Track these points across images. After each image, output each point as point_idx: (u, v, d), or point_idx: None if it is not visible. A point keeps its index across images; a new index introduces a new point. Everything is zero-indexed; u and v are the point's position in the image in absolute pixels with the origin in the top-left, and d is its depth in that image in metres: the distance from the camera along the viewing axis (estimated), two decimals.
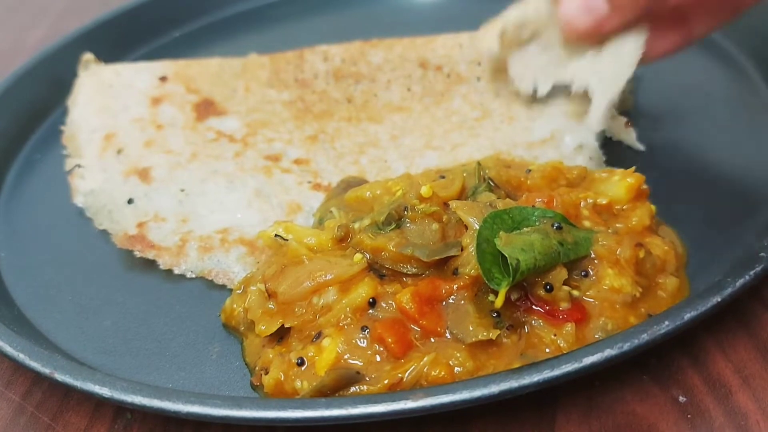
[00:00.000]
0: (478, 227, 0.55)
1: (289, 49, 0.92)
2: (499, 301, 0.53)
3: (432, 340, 0.54)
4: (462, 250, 0.56)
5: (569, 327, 0.54)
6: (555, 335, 0.54)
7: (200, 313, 0.64)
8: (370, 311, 0.55)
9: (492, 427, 0.54)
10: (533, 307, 0.55)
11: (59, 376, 0.55)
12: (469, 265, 0.55)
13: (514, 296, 0.54)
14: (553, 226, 0.56)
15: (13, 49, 1.08)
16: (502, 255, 0.53)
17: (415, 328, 0.54)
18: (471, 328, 0.53)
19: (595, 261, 0.56)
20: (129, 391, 0.53)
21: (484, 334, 0.53)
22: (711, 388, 0.55)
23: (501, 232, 0.54)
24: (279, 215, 0.71)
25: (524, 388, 0.50)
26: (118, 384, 0.53)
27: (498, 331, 0.53)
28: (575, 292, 0.55)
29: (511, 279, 0.52)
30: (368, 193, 0.64)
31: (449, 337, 0.54)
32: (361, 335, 0.54)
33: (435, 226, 0.58)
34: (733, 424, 0.52)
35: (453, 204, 0.58)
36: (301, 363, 0.54)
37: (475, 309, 0.54)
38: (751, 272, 0.54)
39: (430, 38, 0.89)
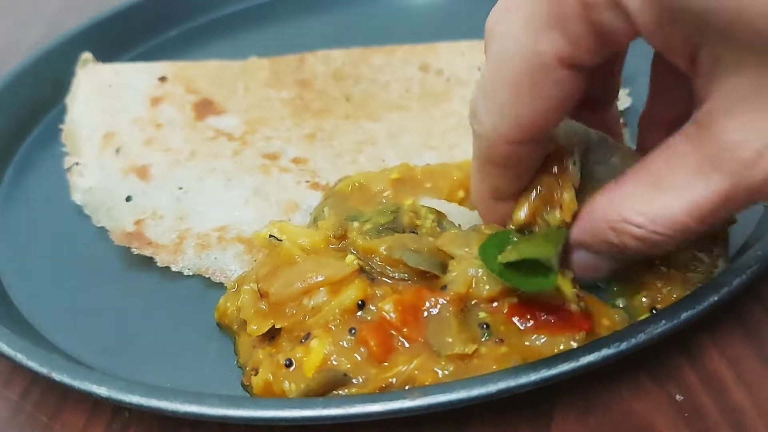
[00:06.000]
0: (466, 253, 0.55)
1: (287, 49, 0.92)
2: (568, 289, 0.52)
3: (407, 345, 0.53)
4: (448, 271, 0.55)
5: (581, 335, 0.53)
6: (563, 346, 0.52)
7: (198, 312, 0.64)
8: (359, 313, 0.54)
9: (489, 424, 0.54)
10: (538, 318, 0.53)
11: (57, 376, 0.55)
12: (456, 284, 0.54)
13: (505, 308, 0.53)
14: None
15: (10, 48, 1.08)
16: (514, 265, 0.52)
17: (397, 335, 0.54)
18: (449, 341, 0.52)
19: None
20: (126, 390, 0.53)
21: (461, 347, 0.52)
22: (707, 386, 0.55)
23: (500, 254, 0.53)
24: (276, 213, 0.71)
25: (522, 387, 0.50)
26: (115, 383, 0.53)
27: (475, 346, 0.52)
28: (582, 304, 0.54)
29: (555, 268, 0.51)
30: (356, 183, 0.65)
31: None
32: (348, 337, 0.53)
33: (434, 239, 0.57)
34: (729, 421, 0.52)
35: (438, 242, 0.57)
36: (289, 364, 0.53)
37: (458, 322, 0.53)
38: (748, 270, 0.54)
39: (432, 45, 0.89)
